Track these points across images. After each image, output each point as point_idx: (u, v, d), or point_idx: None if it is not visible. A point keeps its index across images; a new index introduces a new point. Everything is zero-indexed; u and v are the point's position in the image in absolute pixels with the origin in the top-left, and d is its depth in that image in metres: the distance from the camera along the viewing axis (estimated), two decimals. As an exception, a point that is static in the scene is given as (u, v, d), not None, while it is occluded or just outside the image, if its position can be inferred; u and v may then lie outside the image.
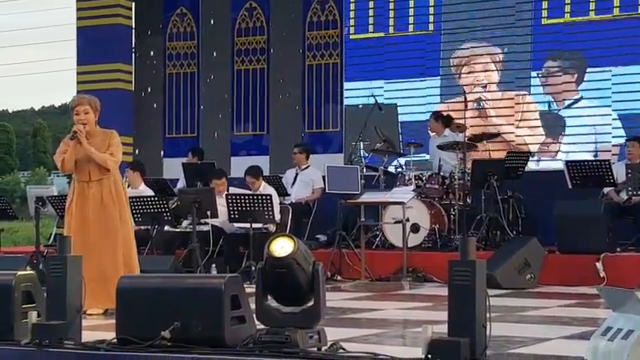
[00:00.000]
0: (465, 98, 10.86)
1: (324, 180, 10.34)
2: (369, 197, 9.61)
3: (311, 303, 4.53)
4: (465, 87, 11.97)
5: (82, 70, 14.02)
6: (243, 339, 4.53)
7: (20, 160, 55.30)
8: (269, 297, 4.60)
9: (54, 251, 10.74)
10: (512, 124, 11.82)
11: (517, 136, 11.79)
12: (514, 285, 8.77)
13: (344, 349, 4.50)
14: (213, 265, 9.84)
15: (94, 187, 6.95)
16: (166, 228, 10.36)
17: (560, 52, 11.61)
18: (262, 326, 4.58)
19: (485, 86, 12.02)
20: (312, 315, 4.51)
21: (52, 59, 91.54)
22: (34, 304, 5.09)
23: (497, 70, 11.99)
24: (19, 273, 5.06)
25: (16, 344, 4.87)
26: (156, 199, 9.96)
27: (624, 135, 11.13)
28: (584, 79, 11.53)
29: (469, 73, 12.09)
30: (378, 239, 10.74)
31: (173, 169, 13.06)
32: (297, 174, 11.74)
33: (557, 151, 11.67)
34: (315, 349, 4.50)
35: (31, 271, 5.24)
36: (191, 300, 4.63)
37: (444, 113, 11.43)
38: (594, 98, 11.49)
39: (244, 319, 4.73)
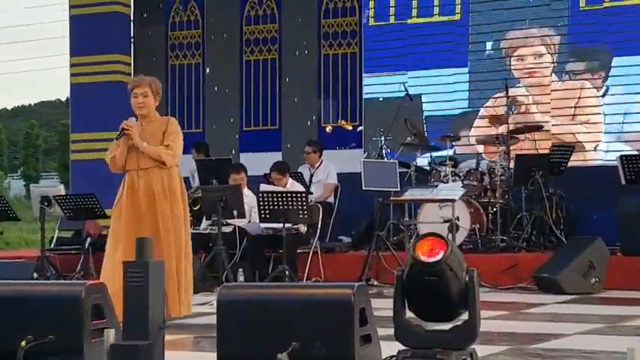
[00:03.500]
0: (507, 90, 10.09)
1: (361, 176, 9.43)
2: (414, 195, 8.82)
3: (464, 318, 3.72)
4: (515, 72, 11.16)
5: (76, 62, 13.05)
6: (376, 363, 3.71)
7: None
8: (407, 310, 3.78)
9: (55, 256, 10.07)
10: (560, 115, 11.01)
11: (553, 125, 10.98)
12: (579, 290, 8.05)
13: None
14: (240, 271, 8.99)
15: (144, 176, 6.14)
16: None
17: (583, 52, 10.89)
18: (401, 346, 3.77)
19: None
20: (466, 333, 3.70)
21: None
22: (104, 320, 4.22)
23: (550, 53, 11.14)
24: (89, 282, 4.18)
25: (88, 370, 4.01)
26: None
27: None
28: (611, 67, 10.80)
29: (518, 59, 11.26)
30: (412, 240, 9.95)
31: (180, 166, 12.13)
32: (312, 174, 10.90)
33: (597, 142, 10.90)
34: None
35: (101, 281, 4.33)
36: (311, 315, 3.78)
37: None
38: (622, 85, 10.76)
39: (370, 339, 3.91)
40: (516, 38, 11.22)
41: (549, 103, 11.03)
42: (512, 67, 11.27)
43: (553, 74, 11.09)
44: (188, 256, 6.28)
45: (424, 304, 3.71)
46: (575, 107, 10.94)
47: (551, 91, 11.03)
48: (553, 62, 11.08)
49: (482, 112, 11.33)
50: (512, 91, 10.54)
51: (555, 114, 10.99)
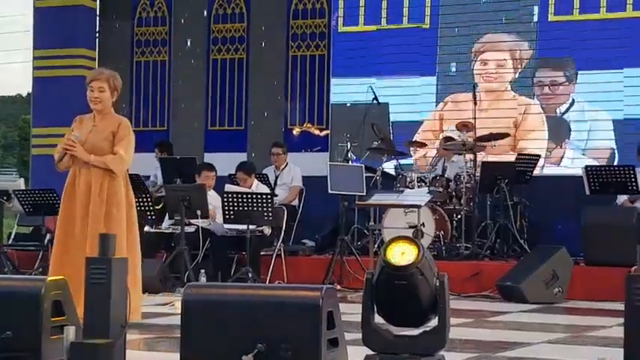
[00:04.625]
0: (475, 94, 10.09)
1: (327, 180, 9.34)
2: (380, 199, 8.75)
3: (433, 324, 3.65)
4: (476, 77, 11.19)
5: (39, 55, 12.85)
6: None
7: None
8: (375, 315, 3.71)
9: (13, 252, 9.88)
10: (515, 127, 11.06)
11: (519, 139, 11.03)
12: (542, 299, 8.03)
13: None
14: (202, 271, 8.86)
15: (84, 175, 5.96)
16: (146, 229, 9.37)
17: (549, 60, 10.93)
18: (368, 351, 3.69)
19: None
20: (436, 339, 3.63)
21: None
22: (63, 317, 4.10)
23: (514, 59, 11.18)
24: (50, 278, 4.05)
25: (45, 368, 3.89)
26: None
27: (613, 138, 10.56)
28: (576, 82, 10.88)
29: (483, 65, 11.27)
30: (376, 245, 9.89)
31: (141, 164, 11.94)
32: (276, 175, 10.81)
33: (561, 157, 10.96)
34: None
35: (61, 277, 4.21)
36: (278, 317, 3.70)
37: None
38: (588, 102, 10.83)
39: (337, 342, 3.83)
40: (486, 42, 11.22)
41: (515, 108, 11.07)
42: (475, 71, 11.27)
43: (511, 84, 11.13)
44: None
45: (393, 308, 3.64)
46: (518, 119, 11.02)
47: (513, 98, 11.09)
48: (516, 69, 11.09)
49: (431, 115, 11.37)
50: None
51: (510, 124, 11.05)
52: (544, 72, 11.01)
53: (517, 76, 11.13)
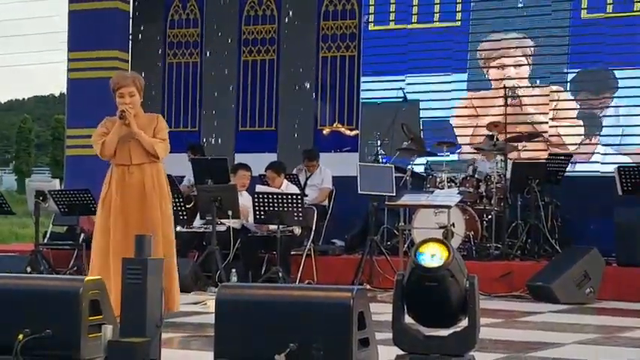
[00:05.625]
0: (505, 93, 10.08)
1: (357, 180, 9.38)
2: (410, 200, 8.79)
3: (463, 324, 3.70)
4: (492, 82, 11.21)
5: (74, 57, 13.00)
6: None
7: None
8: (406, 315, 3.77)
9: (49, 251, 10.02)
10: (547, 123, 11.04)
11: (551, 135, 10.99)
12: (573, 299, 8.04)
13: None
14: (233, 271, 8.97)
15: (135, 172, 6.04)
16: (178, 228, 9.47)
17: (588, 71, 10.89)
18: (399, 351, 3.75)
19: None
20: (466, 340, 3.69)
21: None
22: (100, 316, 4.20)
23: (529, 64, 11.21)
24: (88, 278, 4.15)
25: (84, 366, 3.99)
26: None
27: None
28: (618, 78, 10.80)
29: (499, 67, 11.29)
30: (406, 245, 9.93)
31: (174, 164, 12.07)
32: (307, 176, 10.88)
33: (592, 153, 10.91)
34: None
35: (98, 277, 4.31)
36: (310, 317, 3.77)
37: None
38: (628, 97, 10.77)
39: (368, 342, 3.89)
40: (512, 47, 11.23)
41: (547, 104, 11.04)
42: (508, 74, 11.28)
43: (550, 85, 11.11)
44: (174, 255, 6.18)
45: (424, 309, 3.70)
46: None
47: (550, 101, 11.06)
48: (553, 74, 11.08)
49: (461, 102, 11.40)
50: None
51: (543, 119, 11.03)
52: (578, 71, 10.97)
53: (533, 70, 11.08)
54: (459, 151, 11.23)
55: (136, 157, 6.07)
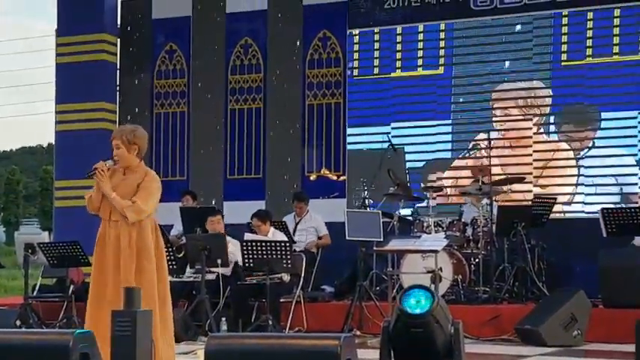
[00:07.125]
0: (489, 138, 10.22)
1: (345, 226, 9.45)
2: (397, 245, 8.86)
3: (449, 370, 3.77)
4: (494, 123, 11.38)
5: (62, 109, 13.11)
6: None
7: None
8: (393, 362, 3.83)
9: (38, 304, 10.02)
10: (530, 167, 11.18)
11: (535, 177, 11.13)
12: (560, 342, 8.09)
13: None
14: (223, 319, 8.99)
15: (113, 228, 6.01)
16: (169, 278, 9.49)
17: (567, 107, 11.08)
18: (386, 398, 3.80)
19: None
20: (452, 384, 3.75)
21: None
22: (90, 370, 4.23)
23: (535, 106, 11.36)
24: (77, 331, 4.19)
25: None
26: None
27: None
28: (600, 126, 10.99)
29: (501, 112, 11.45)
30: (395, 290, 9.99)
31: (164, 213, 12.12)
32: (296, 222, 10.98)
33: (574, 194, 11.04)
34: None
35: (88, 329, 4.35)
36: (298, 365, 3.81)
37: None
38: (612, 145, 10.95)
39: (355, 389, 3.94)
40: (501, 90, 11.40)
41: (531, 155, 11.18)
42: (493, 119, 11.43)
43: (534, 127, 11.25)
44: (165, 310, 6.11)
45: (410, 355, 3.75)
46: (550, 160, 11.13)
47: (533, 143, 11.20)
48: (536, 115, 11.24)
49: (459, 162, 11.51)
50: (493, 143, 10.66)
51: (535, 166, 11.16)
52: (561, 114, 11.13)
53: (537, 120, 11.26)
54: (445, 193, 11.34)
55: (115, 214, 6.02)
